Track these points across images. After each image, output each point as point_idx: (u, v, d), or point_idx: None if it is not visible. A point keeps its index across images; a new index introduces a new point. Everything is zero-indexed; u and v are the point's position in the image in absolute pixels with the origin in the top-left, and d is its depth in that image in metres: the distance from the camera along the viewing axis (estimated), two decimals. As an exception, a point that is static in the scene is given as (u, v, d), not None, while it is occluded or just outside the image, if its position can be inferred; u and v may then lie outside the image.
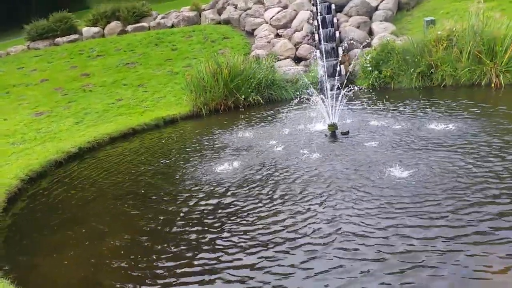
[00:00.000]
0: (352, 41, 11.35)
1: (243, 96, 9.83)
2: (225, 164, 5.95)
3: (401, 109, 7.70)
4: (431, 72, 9.13)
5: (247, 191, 4.94)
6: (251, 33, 13.83)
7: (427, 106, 7.56)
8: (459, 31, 9.14)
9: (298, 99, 7.84)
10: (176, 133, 8.57)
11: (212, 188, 5.21)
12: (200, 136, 8.00)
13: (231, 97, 9.91)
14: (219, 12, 15.42)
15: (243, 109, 9.64)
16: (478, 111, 6.89)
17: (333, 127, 6.74)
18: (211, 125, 8.76)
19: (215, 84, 9.84)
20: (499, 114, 6.62)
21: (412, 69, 9.25)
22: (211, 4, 15.79)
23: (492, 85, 8.35)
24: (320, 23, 12.61)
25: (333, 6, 12.95)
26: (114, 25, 16.32)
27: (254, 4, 14.79)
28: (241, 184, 5.19)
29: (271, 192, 4.81)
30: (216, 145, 7.13)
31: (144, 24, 16.11)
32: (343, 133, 6.65)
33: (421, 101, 7.96)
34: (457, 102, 7.60)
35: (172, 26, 15.74)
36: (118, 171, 6.46)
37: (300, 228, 3.92)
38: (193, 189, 5.29)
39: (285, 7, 13.93)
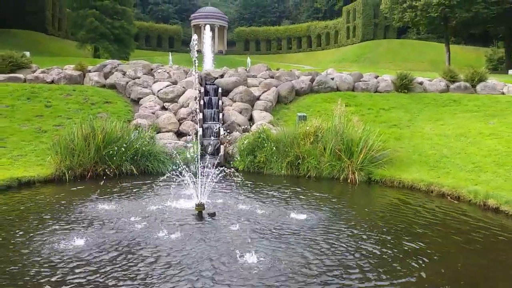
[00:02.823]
0: (233, 124, 11.90)
1: (114, 165, 9.36)
2: (74, 240, 5.36)
3: (268, 195, 8.04)
4: (299, 163, 9.89)
5: (84, 278, 4.42)
6: (136, 102, 13.66)
7: (292, 195, 8.01)
8: (324, 129, 10.23)
9: (172, 174, 7.71)
10: (29, 198, 7.62)
11: (49, 271, 4.58)
12: (56, 203, 7.22)
13: (101, 164, 9.36)
14: (106, 76, 15.08)
15: (113, 179, 9.11)
16: (334, 204, 7.51)
17: (200, 207, 6.67)
18: (73, 193, 8.03)
19: (85, 148, 9.25)
20: (352, 208, 7.29)
21: (282, 158, 9.93)
22: (98, 67, 15.43)
23: (349, 180, 9.31)
24: (206, 103, 13.08)
25: (220, 90, 13.65)
26: (-16, 70, 14.78)
27: (143, 74, 14.85)
28: (84, 265, 4.67)
29: (111, 278, 4.38)
30: (71, 217, 6.46)
31: (20, 75, 14.90)
32: (209, 214, 6.60)
33: (287, 189, 8.43)
34: (318, 194, 8.22)
35: (52, 82, 14.82)
36: None
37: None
38: (16, 276, 4.58)
39: (174, 82, 14.24)
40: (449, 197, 7.90)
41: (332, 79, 16.01)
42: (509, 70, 36.18)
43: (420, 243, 5.51)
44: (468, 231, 6.14)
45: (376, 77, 16.81)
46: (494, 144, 10.06)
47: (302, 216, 6.57)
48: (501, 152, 9.43)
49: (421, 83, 16.04)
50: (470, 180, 8.24)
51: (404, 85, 15.41)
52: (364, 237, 5.72)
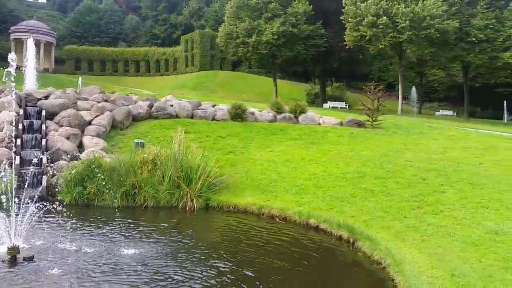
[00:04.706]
0: (59, 152, 10.69)
1: None
2: None
3: (99, 229, 7.36)
4: (135, 192, 9.41)
5: None
6: None
7: (125, 228, 7.51)
8: (163, 156, 10.02)
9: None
10: None
11: None
12: None
13: None
14: None
15: None
16: (171, 235, 7.31)
17: (14, 251, 5.67)
18: None
19: None
20: (188, 237, 7.21)
21: (117, 188, 9.30)
22: None
23: (187, 208, 9.26)
24: (26, 127, 11.48)
25: (43, 112, 12.17)
26: None
27: None
28: None
29: None
30: None
31: None
32: (26, 259, 5.65)
33: (121, 222, 7.88)
34: (155, 224, 7.92)
35: None
36: None
37: None
38: None
39: (-16, 102, 12.11)
40: (277, 218, 8.54)
41: (171, 105, 15.99)
42: (324, 104, 42.26)
43: (249, 266, 5.75)
44: (291, 248, 6.71)
45: (214, 105, 17.48)
46: (313, 168, 11.39)
47: (136, 251, 6.18)
48: (319, 176, 10.72)
49: (252, 113, 17.31)
50: (295, 202, 9.10)
51: (238, 115, 16.38)
52: (199, 266, 5.68)
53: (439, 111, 49.68)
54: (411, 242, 6.31)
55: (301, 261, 6.22)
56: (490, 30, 32.86)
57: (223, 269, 5.63)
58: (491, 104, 54.24)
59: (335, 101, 43.81)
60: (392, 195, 8.63)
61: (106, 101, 14.82)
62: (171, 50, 63.28)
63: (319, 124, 17.58)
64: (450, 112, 48.21)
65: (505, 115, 40.84)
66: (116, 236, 7.00)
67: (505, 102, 41.45)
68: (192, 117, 16.01)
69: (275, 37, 36.83)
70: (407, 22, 30.48)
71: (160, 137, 13.03)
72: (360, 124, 17.23)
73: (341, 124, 17.38)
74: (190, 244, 6.79)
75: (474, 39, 32.91)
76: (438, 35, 31.15)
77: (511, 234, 6.18)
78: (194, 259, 5.97)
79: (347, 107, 42.53)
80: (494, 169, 9.95)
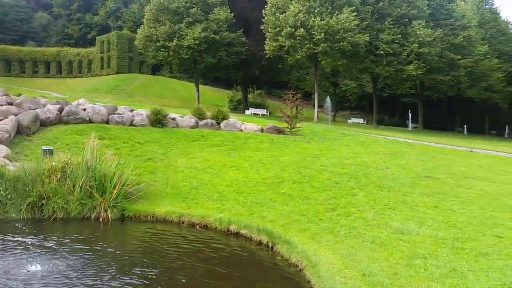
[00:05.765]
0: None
1: None
2: None
3: (-1, 246, 6.64)
4: (42, 204, 8.66)
5: None
6: None
7: (29, 243, 6.86)
8: (74, 164, 9.37)
9: None
10: None
11: None
12: None
13: None
14: None
15: None
16: (80, 248, 6.83)
17: None
18: None
19: None
20: (100, 251, 6.79)
21: (22, 199, 8.48)
22: None
23: (101, 219, 8.74)
24: None
25: None
26: None
27: None
28: None
29: None
30: None
31: None
32: None
33: (25, 237, 7.19)
34: (63, 238, 7.35)
35: None
36: None
37: None
38: None
39: None
40: (198, 226, 8.42)
41: (84, 110, 15.06)
42: (246, 110, 42.88)
43: (169, 275, 5.58)
44: (211, 254, 6.65)
45: (131, 110, 16.80)
46: (235, 174, 11.45)
47: (39, 268, 5.67)
48: (240, 182, 10.79)
49: (174, 119, 16.95)
50: (216, 208, 9.05)
51: (158, 120, 15.94)
52: (112, 281, 5.38)
53: (351, 119, 53.13)
54: (325, 244, 6.59)
55: (220, 268, 6.18)
56: (396, 44, 35.92)
57: (138, 283, 5.39)
58: (397, 113, 59.33)
59: (256, 108, 44.72)
60: (308, 199, 8.98)
61: (11, 104, 13.52)
62: (86, 51, 59.91)
63: (241, 130, 17.76)
64: (361, 120, 51.84)
65: (409, 123, 44.87)
66: (17, 252, 6.36)
67: (409, 111, 45.57)
68: (107, 122, 15.22)
69: (197, 42, 36.61)
70: (322, 34, 32.17)
71: (71, 144, 12.20)
72: (279, 131, 17.72)
73: (262, 130, 17.73)
74: (102, 258, 6.40)
75: (382, 52, 35.73)
76: (350, 47, 33.30)
77: (414, 233, 6.75)
78: (106, 275, 5.63)
79: (268, 114, 43.61)
80: (400, 173, 10.84)
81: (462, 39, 40.37)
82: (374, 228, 7.08)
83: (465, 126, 50.87)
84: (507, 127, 55.57)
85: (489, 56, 45.95)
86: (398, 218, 7.49)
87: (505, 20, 58.33)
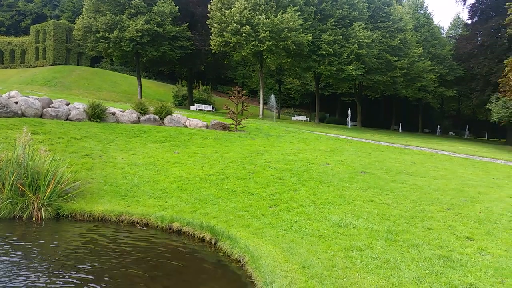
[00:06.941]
0: None
1: None
2: None
3: None
4: (-35, 204, 7.99)
5: None
6: None
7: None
8: (4, 161, 8.74)
9: None
10: None
11: None
12: None
13: None
14: None
15: None
16: (8, 251, 6.40)
17: None
18: None
19: None
20: (33, 252, 6.41)
21: None
22: None
23: (34, 218, 8.23)
24: None
25: None
26: None
27: None
28: None
29: None
30: None
31: None
32: None
33: None
34: (-9, 239, 6.83)
35: None
36: None
37: None
38: None
39: None
40: (138, 225, 8.19)
41: (16, 103, 14.08)
42: (191, 106, 42.30)
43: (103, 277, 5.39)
44: (150, 253, 6.52)
45: (68, 104, 15.97)
46: (178, 171, 11.27)
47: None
48: (184, 179, 10.65)
49: (114, 114, 16.35)
50: (158, 206, 8.86)
51: (97, 115, 15.29)
52: (44, 284, 5.10)
53: (295, 116, 54.33)
54: (268, 239, 6.70)
55: (161, 267, 6.07)
56: (337, 45, 37.18)
57: (73, 285, 5.15)
58: (338, 111, 61.62)
59: (202, 104, 44.31)
60: (252, 195, 9.06)
61: None
62: (19, 40, 56.02)
63: (186, 126, 17.52)
64: (304, 118, 53.18)
65: (349, 121, 46.74)
66: None
67: (349, 109, 47.47)
68: (41, 116, 14.35)
69: (139, 34, 35.52)
70: (268, 32, 32.52)
71: (1, 139, 11.35)
72: (225, 127, 17.70)
73: (207, 126, 17.60)
74: (33, 260, 6.03)
75: (324, 52, 36.82)
76: (294, 46, 33.97)
77: (351, 226, 7.05)
78: (35, 278, 5.32)
79: (214, 110, 43.38)
80: (339, 168, 11.25)
81: (399, 41, 42.67)
82: (314, 222, 7.30)
83: (400, 124, 54.01)
84: (438, 127, 59.77)
85: (423, 58, 49.04)
86: (337, 212, 7.78)
87: (437, 25, 62.51)
